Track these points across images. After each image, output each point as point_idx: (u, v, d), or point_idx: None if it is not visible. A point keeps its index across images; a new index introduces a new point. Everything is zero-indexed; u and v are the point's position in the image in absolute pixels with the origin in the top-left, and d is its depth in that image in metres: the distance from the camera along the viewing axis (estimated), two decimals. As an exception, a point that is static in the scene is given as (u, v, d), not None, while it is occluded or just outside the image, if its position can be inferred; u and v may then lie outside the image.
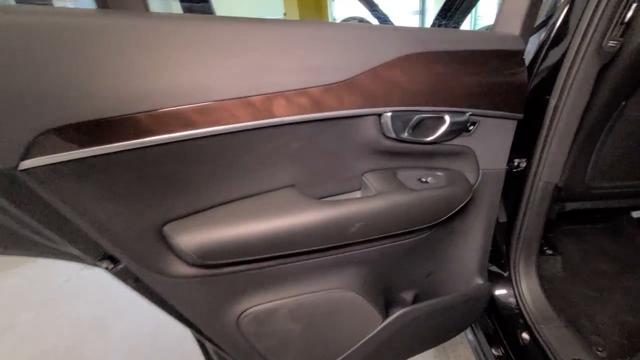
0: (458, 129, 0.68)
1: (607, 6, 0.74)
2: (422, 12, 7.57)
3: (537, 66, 0.90)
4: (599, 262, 1.30)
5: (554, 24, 0.86)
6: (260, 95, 0.51)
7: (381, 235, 0.66)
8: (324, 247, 0.62)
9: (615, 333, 1.03)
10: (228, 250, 0.55)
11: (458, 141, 0.71)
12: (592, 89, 0.83)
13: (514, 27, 0.69)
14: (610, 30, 0.76)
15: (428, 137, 0.66)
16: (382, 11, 1.56)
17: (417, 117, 0.63)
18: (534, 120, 0.91)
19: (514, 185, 1.04)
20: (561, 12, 0.84)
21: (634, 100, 0.95)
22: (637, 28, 0.79)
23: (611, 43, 0.77)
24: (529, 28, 0.69)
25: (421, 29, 0.63)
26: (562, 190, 1.14)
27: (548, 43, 0.87)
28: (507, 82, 0.69)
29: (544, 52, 0.87)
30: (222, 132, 0.50)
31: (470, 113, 0.67)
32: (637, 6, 0.74)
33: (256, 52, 0.50)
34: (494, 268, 1.14)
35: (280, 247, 0.58)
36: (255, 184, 0.60)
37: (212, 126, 0.48)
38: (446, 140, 0.69)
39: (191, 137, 0.48)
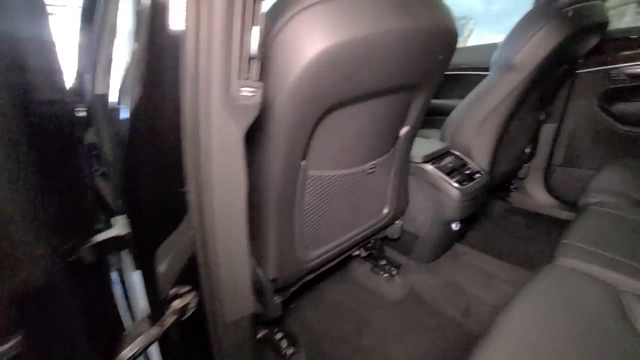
0: None
1: (210, 26, 0.38)
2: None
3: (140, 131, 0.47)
4: (339, 322, 1.14)
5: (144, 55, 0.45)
6: None
7: None
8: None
9: None
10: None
11: None
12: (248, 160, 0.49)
13: None
14: (236, 71, 0.42)
15: None
16: None
17: None
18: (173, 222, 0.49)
19: (194, 331, 0.59)
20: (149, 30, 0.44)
21: (309, 158, 0.73)
22: (281, 72, 0.51)
23: (246, 91, 0.44)
24: None
25: None
26: (277, 280, 0.83)
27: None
28: None
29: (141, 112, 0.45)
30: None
31: None
32: (260, 29, 0.43)
33: None
34: None
35: None
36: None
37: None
38: None
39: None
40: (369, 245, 1.30)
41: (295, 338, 1.04)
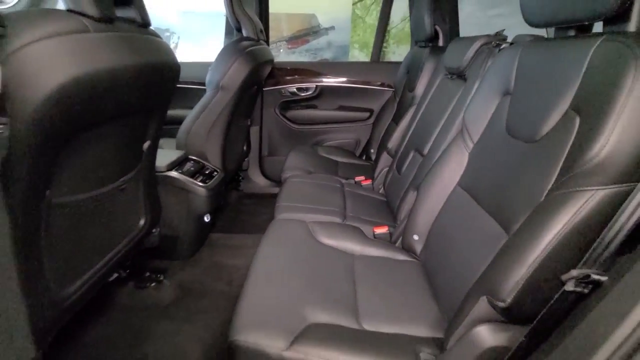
0: None
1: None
2: None
3: None
4: (114, 352, 1.09)
5: None
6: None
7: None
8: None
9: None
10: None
11: None
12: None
13: None
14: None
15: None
16: None
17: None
18: None
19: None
20: None
21: (54, 186, 0.70)
22: (20, 100, 0.50)
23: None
24: None
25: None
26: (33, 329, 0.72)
27: None
28: None
29: None
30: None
31: None
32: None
33: None
34: None
35: None
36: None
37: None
38: None
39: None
40: (128, 263, 1.28)
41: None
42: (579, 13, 0.63)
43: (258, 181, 2.27)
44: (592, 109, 0.57)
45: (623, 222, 0.50)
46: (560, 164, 0.62)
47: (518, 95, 0.81)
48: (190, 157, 1.45)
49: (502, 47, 1.00)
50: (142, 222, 1.12)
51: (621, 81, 0.51)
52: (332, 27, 3.22)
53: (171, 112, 2.02)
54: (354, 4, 3.21)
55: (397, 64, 2.02)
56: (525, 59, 0.82)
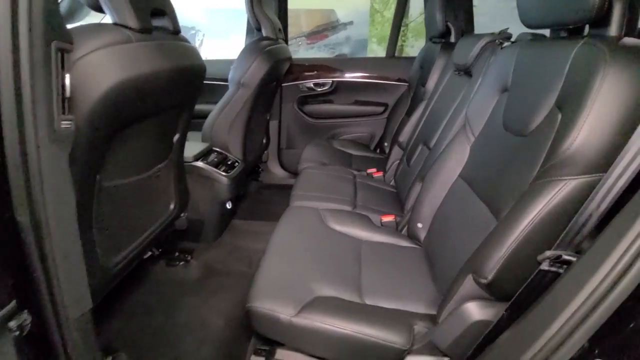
0: None
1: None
2: None
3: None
4: (147, 318, 1.24)
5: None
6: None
7: None
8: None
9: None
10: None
11: None
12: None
13: None
14: (57, 109, 0.53)
15: None
16: None
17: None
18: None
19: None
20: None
21: (103, 172, 0.83)
22: (80, 101, 0.62)
23: (65, 124, 0.55)
24: None
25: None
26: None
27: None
28: None
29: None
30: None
31: None
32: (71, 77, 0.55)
33: None
34: None
35: None
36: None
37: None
38: None
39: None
40: (161, 243, 1.43)
41: (110, 347, 1.06)
42: (565, 17, 0.69)
43: (276, 172, 2.39)
44: (569, 106, 0.63)
45: (593, 208, 0.57)
46: (544, 156, 0.68)
47: (514, 92, 0.87)
48: (214, 148, 1.58)
49: (504, 45, 1.05)
50: (172, 206, 1.26)
51: (591, 83, 0.57)
52: (351, 22, 3.27)
53: (197, 107, 2.17)
54: (372, -2, 3.24)
55: (412, 59, 2.06)
56: (522, 57, 0.87)
